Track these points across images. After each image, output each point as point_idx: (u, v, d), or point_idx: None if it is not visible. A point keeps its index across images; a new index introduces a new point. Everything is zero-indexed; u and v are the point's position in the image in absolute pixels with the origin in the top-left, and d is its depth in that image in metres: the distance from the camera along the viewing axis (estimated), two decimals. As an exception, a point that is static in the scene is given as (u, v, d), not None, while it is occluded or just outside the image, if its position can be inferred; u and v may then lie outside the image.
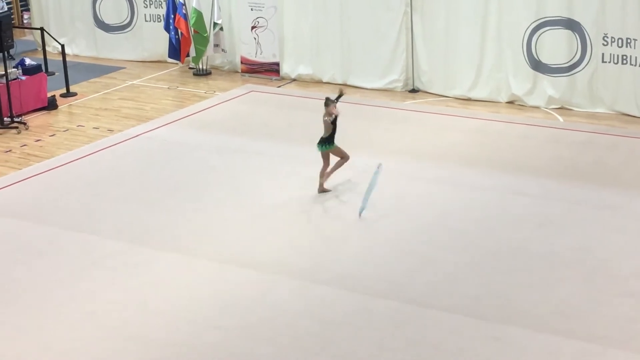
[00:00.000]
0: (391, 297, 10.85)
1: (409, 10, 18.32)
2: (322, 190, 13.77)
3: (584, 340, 9.85)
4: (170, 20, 20.02)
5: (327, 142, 13.71)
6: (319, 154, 13.78)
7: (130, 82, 19.97)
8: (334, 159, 13.87)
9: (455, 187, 13.82)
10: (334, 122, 13.56)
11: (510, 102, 17.80)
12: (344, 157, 13.85)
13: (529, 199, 13.39)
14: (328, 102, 13.64)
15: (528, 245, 12.02)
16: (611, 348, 9.70)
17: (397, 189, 13.80)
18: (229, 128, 16.78)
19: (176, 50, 20.23)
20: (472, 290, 10.96)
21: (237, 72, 20.27)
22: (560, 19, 16.99)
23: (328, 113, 13.56)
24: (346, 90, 14.31)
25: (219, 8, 19.87)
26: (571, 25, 16.94)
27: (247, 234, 12.63)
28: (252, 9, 19.64)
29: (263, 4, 19.48)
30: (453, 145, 15.54)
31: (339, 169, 13.87)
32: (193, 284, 11.35)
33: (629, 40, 16.47)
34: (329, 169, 13.83)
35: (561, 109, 17.33)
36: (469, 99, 18.03)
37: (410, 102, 18.05)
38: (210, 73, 20.31)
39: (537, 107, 17.49)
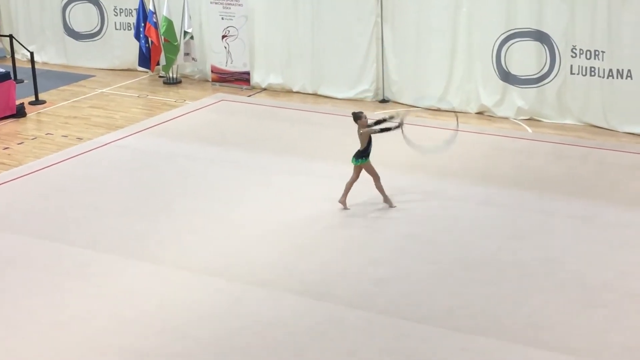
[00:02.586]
0: (363, 307, 10.85)
1: (380, 21, 18.38)
2: (342, 202, 13.61)
3: (555, 352, 9.90)
4: (141, 29, 19.95)
5: (362, 155, 13.54)
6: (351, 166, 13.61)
7: (100, 90, 19.88)
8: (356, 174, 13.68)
9: (426, 197, 13.86)
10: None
11: (480, 113, 17.89)
12: (375, 176, 13.62)
13: (500, 210, 13.46)
14: (360, 115, 13.49)
15: (499, 255, 12.07)
16: (582, 359, 9.75)
17: (369, 200, 13.81)
18: (200, 137, 16.74)
19: (146, 59, 20.17)
20: (443, 300, 10.98)
21: (207, 81, 20.24)
22: (530, 31, 17.11)
23: (362, 125, 13.42)
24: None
25: (190, 17, 19.82)
26: (540, 37, 17.07)
27: (219, 243, 12.60)
28: (222, 18, 19.62)
29: (234, 13, 19.47)
30: (424, 156, 15.55)
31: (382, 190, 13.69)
32: (164, 293, 11.30)
33: (597, 52, 16.61)
34: (379, 189, 13.60)
35: (530, 120, 17.44)
36: (438, 110, 18.10)
37: (381, 112, 18.07)
38: (180, 82, 20.26)
39: (506, 118, 17.59)
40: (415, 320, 10.55)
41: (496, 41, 17.42)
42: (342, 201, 13.59)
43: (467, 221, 13.13)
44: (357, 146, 13.48)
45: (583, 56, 16.78)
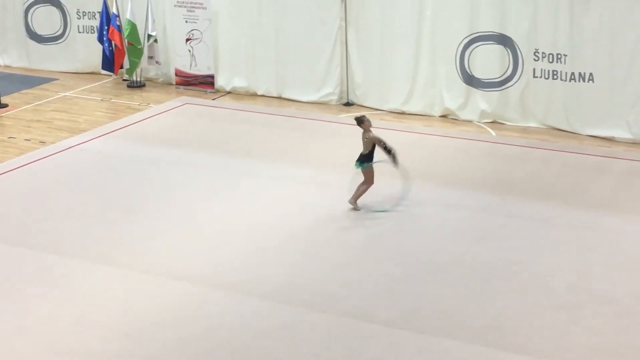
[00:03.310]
0: (328, 310, 10.87)
1: (344, 24, 18.42)
2: (353, 204, 13.60)
3: (518, 353, 9.96)
4: (104, 32, 19.86)
5: (365, 160, 13.52)
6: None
7: (63, 94, 19.76)
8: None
9: (392, 200, 13.89)
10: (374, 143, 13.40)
11: (444, 116, 17.98)
12: (368, 183, 13.59)
13: (464, 213, 13.52)
14: (362, 119, 13.46)
15: (464, 258, 12.13)
16: (545, 360, 9.85)
17: (334, 202, 13.84)
18: (164, 140, 16.68)
19: (110, 62, 20.09)
20: (408, 303, 11.02)
21: (171, 84, 20.17)
22: (493, 34, 17.22)
23: (366, 129, 13.39)
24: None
25: (153, 20, 19.76)
26: (503, 40, 17.18)
27: (183, 247, 12.57)
28: (186, 21, 19.57)
29: (198, 16, 19.43)
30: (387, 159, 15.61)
31: (364, 194, 13.66)
32: (128, 297, 11.26)
33: (559, 56, 16.74)
34: (357, 192, 13.59)
35: (493, 123, 17.54)
36: (403, 113, 18.17)
37: (345, 115, 18.13)
38: (144, 85, 20.18)
39: (470, 121, 17.69)
40: (380, 322, 10.58)
41: (460, 45, 17.52)
42: (352, 202, 13.59)
43: (432, 224, 13.18)
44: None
45: (546, 59, 16.90)
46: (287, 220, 13.30)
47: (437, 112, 18.03)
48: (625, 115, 16.43)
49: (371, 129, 13.46)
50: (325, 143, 16.49)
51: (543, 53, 16.92)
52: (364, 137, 13.50)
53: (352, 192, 13.61)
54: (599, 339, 10.19)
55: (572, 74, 16.68)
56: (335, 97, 18.84)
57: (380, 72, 18.34)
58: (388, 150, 13.41)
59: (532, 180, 14.72)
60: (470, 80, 17.63)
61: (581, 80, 16.62)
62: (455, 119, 17.81)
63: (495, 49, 17.29)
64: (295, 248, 12.50)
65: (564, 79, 16.78)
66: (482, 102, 17.60)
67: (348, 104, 18.78)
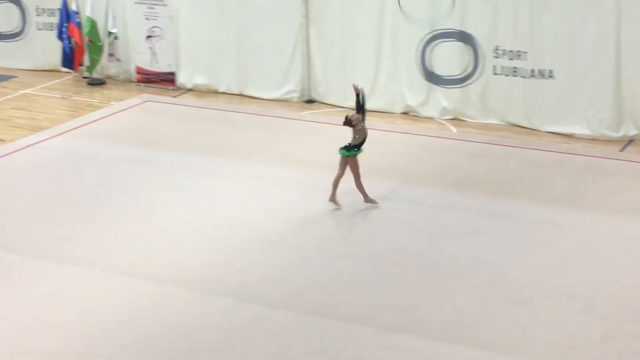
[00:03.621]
0: (290, 308, 10.88)
1: (305, 22, 18.42)
2: (333, 200, 13.57)
3: (479, 349, 10.02)
4: (64, 29, 19.72)
5: (354, 148, 13.43)
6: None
7: (23, 92, 19.60)
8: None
9: (353, 197, 13.91)
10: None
11: (405, 113, 18.03)
12: (356, 173, 13.48)
13: (425, 209, 13.57)
14: (351, 119, 13.36)
15: (425, 254, 12.19)
16: (506, 355, 9.90)
17: (297, 199, 13.85)
18: (125, 138, 16.60)
19: (70, 59, 19.94)
20: (370, 299, 11.05)
21: (132, 81, 20.06)
22: (453, 32, 17.29)
23: (356, 121, 13.34)
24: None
25: (114, 17, 19.65)
26: (464, 37, 17.26)
27: (144, 245, 12.51)
28: (147, 18, 19.48)
29: (158, 13, 19.34)
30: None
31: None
32: (89, 297, 11.20)
33: (519, 53, 16.85)
34: (359, 188, 13.54)
35: (454, 119, 17.63)
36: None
37: (307, 113, 18.14)
38: (104, 82, 20.05)
39: (431, 118, 17.76)
40: (341, 319, 10.60)
41: (420, 42, 17.57)
42: (333, 199, 13.52)
43: (393, 220, 13.22)
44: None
45: (506, 57, 17.01)
46: (250, 218, 13.28)
47: (398, 109, 18.09)
48: (585, 112, 16.57)
49: (359, 119, 13.36)
50: (287, 140, 16.49)
51: (503, 50, 17.02)
52: (355, 131, 13.38)
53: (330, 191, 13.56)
54: (559, 333, 10.28)
55: (532, 70, 16.80)
56: (297, 95, 18.84)
57: (341, 69, 18.35)
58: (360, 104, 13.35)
59: (493, 176, 14.81)
60: (431, 77, 17.70)
61: (541, 77, 16.74)
62: (416, 116, 17.88)
63: (456, 46, 17.37)
64: (258, 246, 12.48)
65: (524, 76, 16.89)
66: (443, 99, 17.68)
67: (310, 101, 18.79)
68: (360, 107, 13.36)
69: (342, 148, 13.46)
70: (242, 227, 13.01)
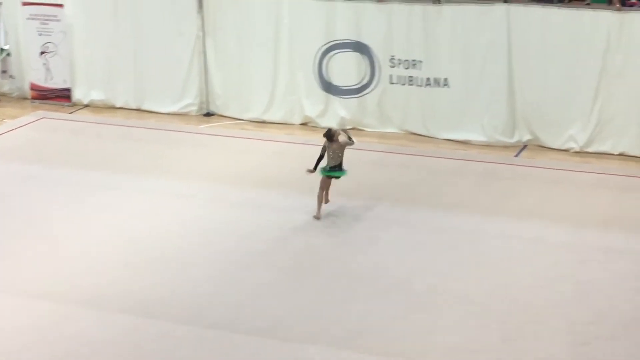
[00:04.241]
0: (193, 323, 10.81)
1: (202, 35, 18.37)
2: (319, 216, 13.63)
3: (381, 356, 10.10)
4: (-46, 46, 19.34)
5: (337, 169, 13.66)
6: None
7: None
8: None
9: (256, 209, 13.92)
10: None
11: (304, 124, 18.11)
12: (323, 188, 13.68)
13: (325, 219, 13.62)
14: (332, 133, 13.62)
15: (327, 264, 12.25)
16: (408, 361, 10.02)
17: (198, 214, 13.79)
18: (20, 156, 16.30)
19: (-39, 77, 19.56)
20: (273, 311, 11.06)
21: (27, 98, 19.73)
22: (349, 42, 17.44)
23: (338, 136, 13.52)
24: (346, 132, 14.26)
25: (6, 33, 19.33)
26: (360, 48, 17.42)
27: (40, 264, 12.29)
28: (40, 34, 19.18)
29: (52, 29, 19.07)
30: (252, 168, 15.66)
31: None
32: (-13, 319, 10.96)
33: (414, 62, 17.09)
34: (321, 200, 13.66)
35: (353, 129, 17.73)
36: (263, 122, 18.23)
37: (206, 126, 18.09)
38: (-2, 100, 19.71)
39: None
40: (245, 332, 10.58)
41: (317, 53, 17.68)
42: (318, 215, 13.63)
43: (295, 231, 13.25)
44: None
45: (401, 66, 17.22)
46: (151, 233, 13.17)
47: (297, 120, 18.16)
48: (480, 119, 16.88)
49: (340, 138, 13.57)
50: (186, 154, 16.41)
51: (399, 60, 17.23)
52: (332, 148, 13.59)
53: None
54: (458, 338, 10.43)
55: (428, 79, 17.05)
56: (195, 108, 18.77)
57: (239, 81, 18.36)
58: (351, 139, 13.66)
59: (392, 185, 14.97)
60: (328, 87, 17.82)
61: (436, 85, 17.00)
62: (315, 127, 17.96)
63: (352, 56, 17.52)
64: (161, 262, 12.37)
65: (420, 85, 17.13)
66: (341, 109, 17.81)
67: (208, 114, 18.74)
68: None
69: (328, 170, 13.66)
70: (144, 243, 12.89)
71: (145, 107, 19.03)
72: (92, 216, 13.80)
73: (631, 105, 16.04)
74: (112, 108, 19.20)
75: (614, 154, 16.32)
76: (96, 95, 19.33)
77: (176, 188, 14.76)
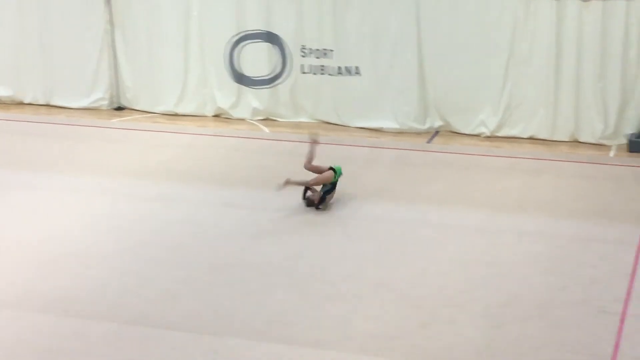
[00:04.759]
0: (109, 319, 10.69)
1: (110, 27, 18.15)
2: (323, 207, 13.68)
3: (301, 346, 10.12)
4: None
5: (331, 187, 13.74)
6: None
7: None
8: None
9: (170, 203, 13.84)
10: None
11: (217, 116, 18.05)
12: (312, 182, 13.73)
13: (241, 211, 13.62)
14: (311, 200, 13.66)
15: (243, 256, 12.22)
16: (329, 351, 10.03)
17: (111, 209, 13.65)
18: None
19: None
20: (190, 305, 11.00)
21: None
22: (260, 32, 17.42)
23: (314, 196, 13.63)
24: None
25: None
26: (271, 38, 17.41)
27: (-47, 266, 12.06)
28: (-59, 30, 18.77)
29: (-47, 24, 18.68)
30: (164, 162, 15.55)
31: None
32: None
33: (325, 51, 17.14)
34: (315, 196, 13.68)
35: (266, 120, 17.77)
36: (176, 114, 18.12)
37: (117, 120, 17.90)
38: None
39: (243, 120, 17.85)
40: (162, 327, 10.51)
41: (228, 44, 17.62)
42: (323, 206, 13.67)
43: (210, 224, 13.21)
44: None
45: (313, 55, 17.27)
46: (63, 231, 13.00)
47: (210, 112, 18.09)
48: (392, 106, 17.02)
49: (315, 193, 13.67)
50: (98, 149, 16.22)
51: (310, 49, 17.27)
52: (315, 190, 13.72)
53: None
54: (378, 324, 10.50)
55: (339, 68, 17.12)
56: (106, 102, 18.57)
57: (150, 74, 18.21)
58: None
59: (303, 174, 14.95)
60: (240, 78, 17.78)
61: (348, 74, 17.09)
62: (228, 118, 17.93)
63: (264, 46, 17.50)
64: (75, 258, 12.21)
65: (332, 74, 17.20)
66: (253, 100, 17.78)
67: (120, 108, 18.55)
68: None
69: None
70: (56, 241, 12.70)
71: (54, 102, 18.77)
72: (3, 216, 13.55)
73: (538, 90, 16.33)
74: (21, 104, 18.89)
75: (523, 138, 16.61)
76: (3, 92, 18.99)
77: (88, 184, 14.59)
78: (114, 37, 18.28)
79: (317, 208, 13.57)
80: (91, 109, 18.53)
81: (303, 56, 17.33)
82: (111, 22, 18.14)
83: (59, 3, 18.24)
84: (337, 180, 13.70)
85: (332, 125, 17.37)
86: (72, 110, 18.52)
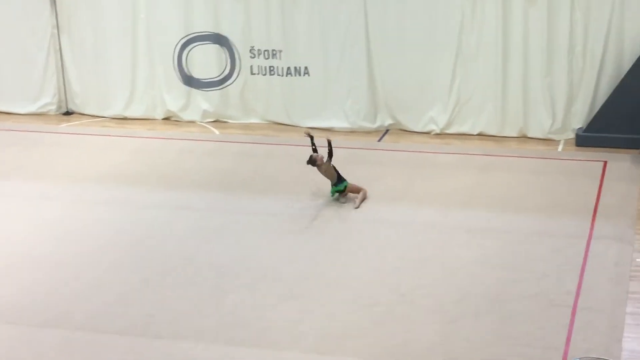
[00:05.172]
0: (60, 326, 10.58)
1: (56, 32, 17.99)
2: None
3: (255, 347, 10.10)
4: None
5: (338, 182, 13.70)
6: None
7: None
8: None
9: (121, 207, 13.73)
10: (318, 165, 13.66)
11: (167, 119, 17.96)
12: (360, 191, 13.80)
13: (193, 213, 13.56)
14: (315, 159, 13.65)
15: (195, 258, 12.16)
16: (283, 351, 10.01)
17: (61, 214, 13.52)
18: None
19: None
20: (143, 309, 10.92)
21: None
22: (209, 34, 17.36)
23: (320, 161, 13.60)
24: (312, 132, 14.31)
25: None
26: (219, 39, 17.35)
27: None
28: None
29: None
30: (114, 166, 15.44)
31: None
32: None
33: (274, 52, 17.12)
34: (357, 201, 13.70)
35: (216, 122, 17.71)
36: (125, 118, 18.00)
37: (66, 125, 17.74)
38: None
39: (193, 122, 17.78)
40: (114, 332, 10.43)
41: (176, 46, 17.53)
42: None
43: (162, 227, 13.13)
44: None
45: (262, 56, 17.23)
46: (12, 238, 12.85)
47: (159, 114, 18.00)
48: (342, 105, 17.04)
49: (323, 159, 13.67)
50: (46, 155, 16.06)
51: (259, 50, 17.24)
52: (322, 170, 13.68)
53: None
54: (331, 324, 10.50)
55: (288, 68, 17.11)
56: (54, 107, 18.40)
57: (98, 78, 18.07)
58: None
59: (257, 175, 14.97)
60: (189, 81, 17.71)
61: (297, 74, 17.08)
62: (178, 121, 17.85)
63: (212, 48, 17.45)
64: (22, 265, 12.07)
65: (281, 74, 17.18)
66: (203, 102, 17.72)
67: (68, 113, 18.40)
68: (329, 153, 13.68)
69: (332, 189, 13.81)
70: (5, 248, 12.56)
71: (1, 108, 18.55)
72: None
73: (486, 85, 16.43)
74: (-34, 111, 18.69)
75: (473, 134, 16.70)
76: (-53, 99, 18.76)
77: (37, 190, 14.44)
78: (61, 42, 18.11)
79: (315, 166, 13.71)
80: (39, 114, 18.35)
81: (252, 57, 17.30)
82: (57, 27, 17.98)
83: (2, 8, 18.04)
84: (340, 190, 13.81)
85: (282, 125, 17.36)
86: (19, 116, 18.33)
